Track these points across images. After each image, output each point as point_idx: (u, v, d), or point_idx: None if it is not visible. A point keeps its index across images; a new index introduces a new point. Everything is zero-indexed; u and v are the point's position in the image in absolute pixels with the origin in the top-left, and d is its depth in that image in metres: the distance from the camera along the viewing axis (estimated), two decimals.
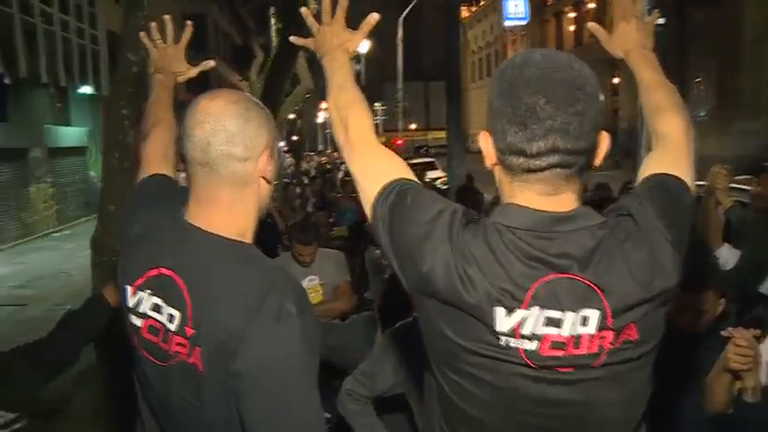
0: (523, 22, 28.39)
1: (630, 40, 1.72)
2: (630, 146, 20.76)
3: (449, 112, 9.54)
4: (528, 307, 1.22)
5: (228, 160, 1.41)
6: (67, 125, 20.30)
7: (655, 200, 1.33)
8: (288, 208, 9.36)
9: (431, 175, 17.77)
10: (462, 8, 53.76)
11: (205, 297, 1.35)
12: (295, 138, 34.09)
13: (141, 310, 1.46)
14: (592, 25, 1.80)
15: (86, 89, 21.44)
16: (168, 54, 2.07)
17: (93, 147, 21.23)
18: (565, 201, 1.29)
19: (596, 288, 1.23)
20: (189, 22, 2.10)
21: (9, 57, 16.32)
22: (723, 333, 2.16)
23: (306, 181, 16.35)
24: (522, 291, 1.23)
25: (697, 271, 2.24)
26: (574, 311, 1.23)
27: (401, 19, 30.85)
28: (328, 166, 25.37)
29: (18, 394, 2.43)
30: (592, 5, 40.71)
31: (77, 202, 20.66)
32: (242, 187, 1.45)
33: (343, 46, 1.71)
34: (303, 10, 1.77)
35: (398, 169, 1.42)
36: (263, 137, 1.45)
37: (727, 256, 3.40)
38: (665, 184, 1.39)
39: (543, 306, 1.23)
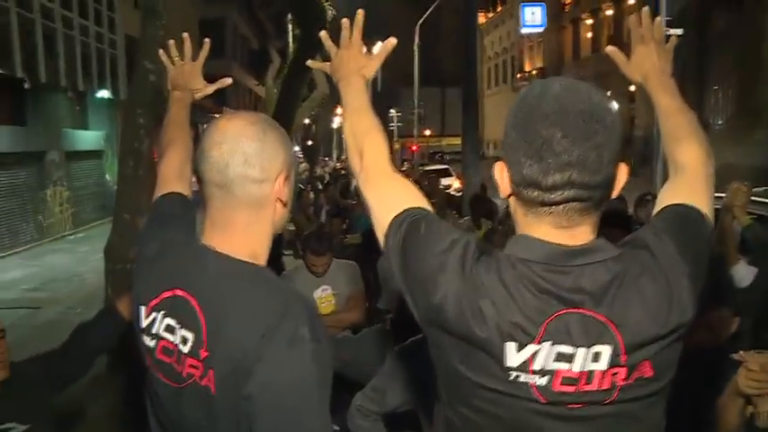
0: (540, 29, 28.40)
1: (649, 64, 1.69)
2: (647, 154, 20.69)
3: (464, 121, 9.56)
4: (540, 342, 1.21)
5: (245, 182, 1.41)
6: (85, 129, 20.49)
7: (672, 232, 1.31)
8: (302, 215, 9.35)
9: (445, 182, 17.70)
10: (479, 14, 53.78)
11: (220, 319, 1.35)
12: (310, 143, 34.23)
13: (155, 331, 1.46)
14: (610, 49, 1.77)
15: (104, 93, 21.64)
16: (185, 71, 2.08)
17: (110, 151, 21.40)
18: (580, 234, 1.27)
19: (610, 323, 1.21)
20: (207, 40, 2.11)
21: (29, 61, 16.50)
22: (735, 356, 2.14)
23: (320, 187, 16.35)
24: (535, 325, 1.21)
25: (712, 288, 2.22)
26: (586, 347, 1.21)
27: (418, 25, 30.84)
28: (343, 172, 25.34)
29: (33, 402, 2.45)
30: (609, 12, 40.60)
31: (93, 205, 20.81)
32: (258, 209, 1.45)
33: (361, 71, 1.70)
34: (322, 33, 1.77)
35: (412, 198, 1.41)
36: (279, 159, 1.45)
37: (743, 273, 3.36)
38: (682, 216, 1.37)
39: (555, 341, 1.21)
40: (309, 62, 1.93)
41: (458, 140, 10.04)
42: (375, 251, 5.99)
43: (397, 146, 48.37)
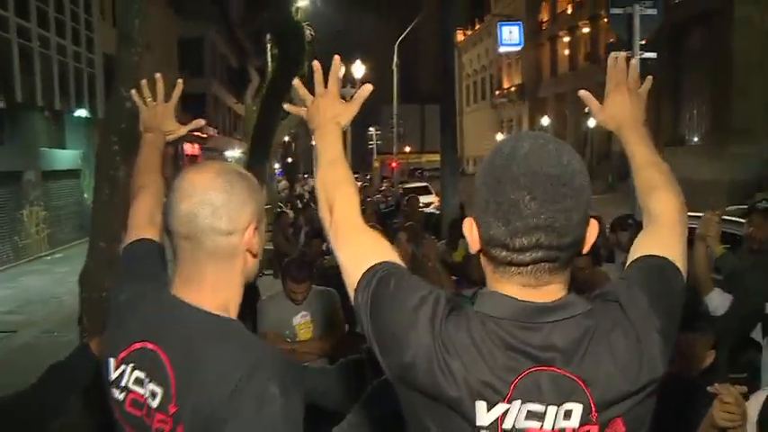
0: (518, 48, 28.60)
1: (622, 114, 1.69)
2: (624, 169, 20.89)
3: (443, 140, 9.59)
4: (510, 401, 1.20)
5: (213, 234, 1.40)
6: (62, 148, 20.33)
7: (645, 285, 1.31)
8: (281, 236, 9.30)
9: (424, 200, 17.74)
10: (458, 31, 54.16)
11: (190, 374, 1.34)
12: (290, 160, 34.20)
13: (123, 383, 1.44)
14: (582, 94, 1.77)
15: (82, 112, 21.54)
16: (158, 113, 2.06)
17: (88, 170, 21.21)
18: (550, 292, 1.27)
19: (580, 381, 1.20)
20: (179, 81, 2.10)
21: (5, 81, 16.38)
22: (710, 389, 2.15)
23: (300, 205, 16.30)
24: (505, 384, 1.20)
25: (685, 315, 2.24)
26: (556, 405, 1.20)
27: (397, 44, 30.98)
28: None
29: None
30: (586, 30, 41.08)
31: (71, 224, 20.62)
32: (227, 262, 1.43)
33: (336, 119, 1.68)
34: (295, 82, 1.75)
35: (382, 253, 1.40)
36: (247, 210, 1.43)
37: (718, 301, 3.38)
38: (656, 268, 1.36)
39: (525, 399, 1.20)
40: (286, 106, 1.87)
41: (437, 156, 10.06)
42: None
43: (376, 163, 48.44)
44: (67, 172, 20.69)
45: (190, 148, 34.66)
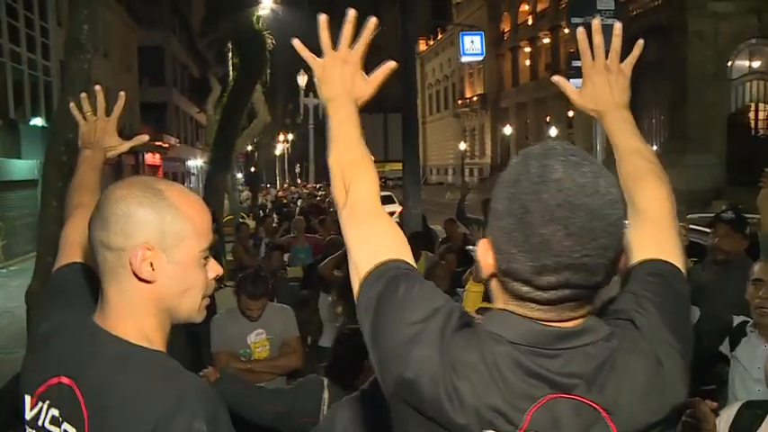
0: (480, 58, 28.77)
1: (604, 98, 1.53)
2: None
3: (405, 151, 9.53)
4: None
5: (101, 247, 1.27)
6: (18, 158, 19.86)
7: (654, 301, 1.20)
8: (240, 247, 9.15)
9: (388, 209, 17.67)
10: (420, 41, 54.45)
11: (105, 412, 1.20)
12: (253, 170, 33.96)
13: (40, 423, 1.31)
14: (556, 79, 1.61)
15: (38, 121, 21.11)
16: (99, 128, 1.92)
17: None
18: (572, 321, 1.15)
19: (602, 411, 1.09)
20: (122, 93, 1.97)
21: None
22: None
23: (262, 215, 16.15)
24: (519, 413, 1.07)
25: None
26: None
27: None
28: (284, 201, 25.12)
29: None
30: (547, 41, 41.61)
31: (27, 236, 20.11)
32: (118, 281, 1.28)
33: (354, 95, 1.49)
34: (296, 42, 1.53)
35: (397, 247, 1.28)
36: (147, 229, 1.26)
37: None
38: (660, 277, 1.25)
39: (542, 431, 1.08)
40: (296, 42, 1.53)
41: (400, 166, 10.02)
42: (314, 289, 5.81)
43: None
44: (23, 182, 20.20)
45: (151, 158, 34.21)
